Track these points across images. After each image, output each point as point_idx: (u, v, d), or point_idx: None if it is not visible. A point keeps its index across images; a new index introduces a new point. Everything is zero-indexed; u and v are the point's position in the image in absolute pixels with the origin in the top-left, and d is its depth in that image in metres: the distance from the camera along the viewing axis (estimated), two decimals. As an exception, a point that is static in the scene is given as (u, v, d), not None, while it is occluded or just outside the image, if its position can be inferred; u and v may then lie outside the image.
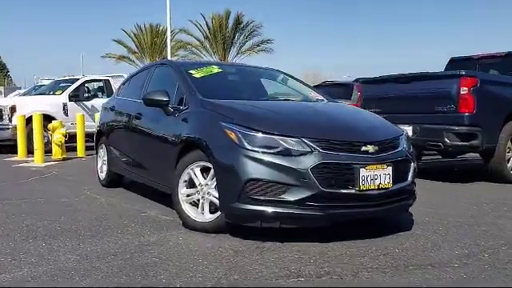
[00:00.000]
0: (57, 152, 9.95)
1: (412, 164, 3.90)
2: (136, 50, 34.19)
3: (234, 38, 31.79)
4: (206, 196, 3.88)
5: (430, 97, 6.85)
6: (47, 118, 10.51)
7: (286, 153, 3.44)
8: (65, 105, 11.83)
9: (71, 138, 10.33)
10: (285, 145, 3.47)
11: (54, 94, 12.33)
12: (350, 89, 9.87)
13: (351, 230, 3.89)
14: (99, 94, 13.03)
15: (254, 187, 3.44)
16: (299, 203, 3.40)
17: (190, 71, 4.78)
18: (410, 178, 3.86)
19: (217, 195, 3.77)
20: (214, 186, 3.83)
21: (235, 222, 3.67)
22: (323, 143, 3.50)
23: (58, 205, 5.11)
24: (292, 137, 3.50)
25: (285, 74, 5.51)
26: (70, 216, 4.56)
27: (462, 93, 6.48)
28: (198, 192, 3.94)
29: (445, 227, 4.20)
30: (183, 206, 4.02)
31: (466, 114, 6.47)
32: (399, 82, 7.28)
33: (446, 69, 9.17)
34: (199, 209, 3.93)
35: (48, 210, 4.82)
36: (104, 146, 6.26)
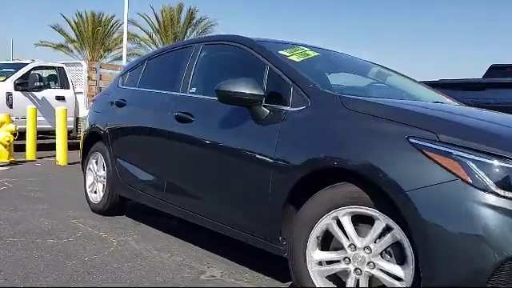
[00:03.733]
0: (3, 154, 7.77)
1: None
2: (75, 39, 31.18)
3: (186, 33, 29.69)
4: (366, 269, 2.19)
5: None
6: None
7: None
8: (9, 95, 9.58)
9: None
10: None
11: (-7, 80, 9.98)
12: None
13: None
14: (52, 83, 10.79)
15: (516, 271, 1.80)
16: None
17: (282, 52, 3.06)
18: None
19: (392, 270, 2.12)
20: (380, 252, 2.17)
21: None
22: None
23: (49, 253, 3.20)
24: None
25: (380, 65, 3.88)
26: (86, 282, 2.70)
27: None
28: (347, 260, 2.24)
29: None
30: (315, 281, 2.31)
31: None
32: (476, 89, 5.86)
33: (484, 76, 7.96)
34: (348, 289, 2.24)
35: (41, 268, 2.91)
36: (101, 157, 4.35)
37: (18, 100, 9.59)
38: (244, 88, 2.69)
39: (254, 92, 2.69)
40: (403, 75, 3.83)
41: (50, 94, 10.30)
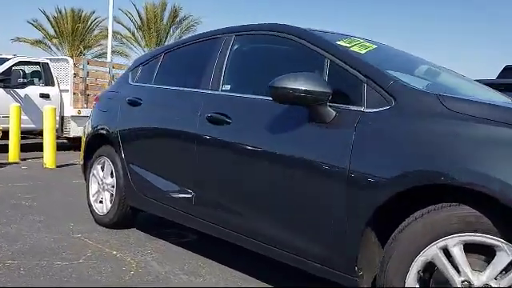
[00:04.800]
0: (-15, 156, 7.15)
1: None
2: (54, 35, 30.22)
3: (169, 31, 29.02)
4: (486, 313, 1.74)
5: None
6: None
7: None
8: (-10, 91, 8.93)
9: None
10: None
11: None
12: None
13: None
14: (35, 80, 10.13)
15: None
16: None
17: (340, 43, 2.60)
18: None
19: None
20: (505, 292, 1.73)
21: None
22: None
23: (59, 279, 2.69)
24: None
25: (429, 62, 3.43)
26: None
27: None
28: (459, 300, 1.79)
29: None
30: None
31: None
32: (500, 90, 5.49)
33: (498, 77, 7.66)
34: None
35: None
36: (109, 162, 3.83)
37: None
38: (307, 84, 2.22)
39: (318, 89, 2.23)
40: (459, 74, 3.40)
41: (33, 91, 9.67)
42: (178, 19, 29.09)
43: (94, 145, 4.07)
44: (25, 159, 8.04)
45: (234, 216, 2.71)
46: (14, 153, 7.91)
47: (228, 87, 3.00)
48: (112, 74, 11.14)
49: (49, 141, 7.46)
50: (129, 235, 3.69)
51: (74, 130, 10.24)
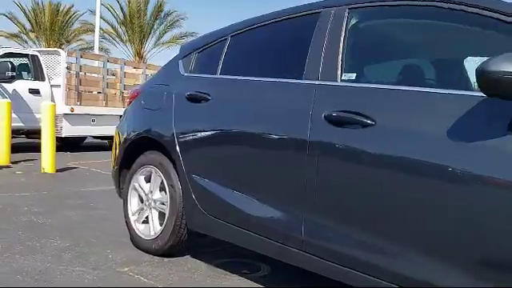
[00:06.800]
0: (-27, 159, 6.21)
1: None
2: (31, 29, 28.92)
3: (153, 26, 27.95)
4: None
5: None
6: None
7: None
8: (-27, 86, 7.98)
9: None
10: None
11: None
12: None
13: None
14: (24, 74, 9.15)
15: None
16: None
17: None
18: None
19: None
20: None
21: None
22: None
23: None
24: None
25: None
26: None
27: None
28: None
29: None
30: None
31: None
32: None
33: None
34: None
35: None
36: (158, 173, 3.01)
37: (-16, 92, 8.00)
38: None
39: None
40: None
41: (22, 86, 8.72)
42: (162, 14, 28.08)
43: (134, 151, 3.24)
44: (16, 162, 7.10)
45: (381, 257, 1.93)
46: (5, 155, 6.94)
47: (352, 76, 2.23)
48: (107, 68, 10.22)
49: (48, 142, 6.52)
50: (188, 267, 2.88)
51: (67, 130, 9.31)
